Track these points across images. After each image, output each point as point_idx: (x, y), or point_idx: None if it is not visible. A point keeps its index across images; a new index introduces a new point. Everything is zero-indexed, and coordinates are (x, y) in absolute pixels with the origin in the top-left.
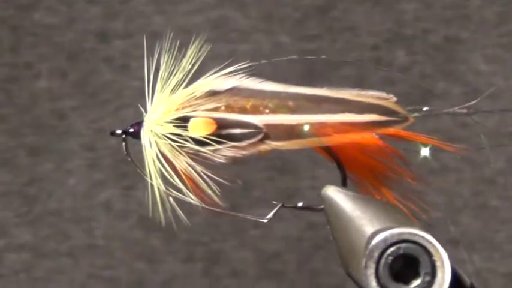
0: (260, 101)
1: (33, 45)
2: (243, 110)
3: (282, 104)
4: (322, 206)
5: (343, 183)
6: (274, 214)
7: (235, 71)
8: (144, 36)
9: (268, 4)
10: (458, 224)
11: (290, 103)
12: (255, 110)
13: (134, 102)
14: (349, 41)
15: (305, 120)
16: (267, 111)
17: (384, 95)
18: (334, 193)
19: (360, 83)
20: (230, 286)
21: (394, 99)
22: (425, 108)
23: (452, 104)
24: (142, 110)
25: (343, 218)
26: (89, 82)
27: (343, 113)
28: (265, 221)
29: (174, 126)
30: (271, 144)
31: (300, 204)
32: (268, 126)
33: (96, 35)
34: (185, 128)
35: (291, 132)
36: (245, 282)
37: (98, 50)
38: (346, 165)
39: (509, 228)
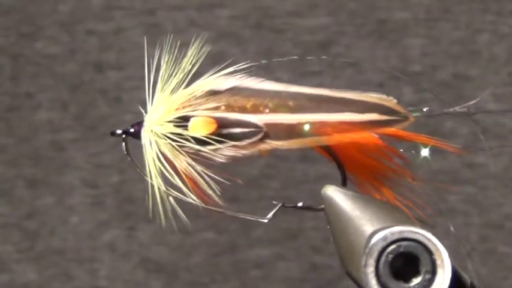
0: (260, 101)
1: (34, 75)
2: (243, 110)
3: (282, 103)
4: (323, 206)
5: (343, 183)
6: (274, 214)
7: (235, 71)
8: (145, 38)
9: (267, 40)
10: (465, 270)
11: (290, 102)
12: (255, 110)
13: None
14: (353, 78)
15: (305, 119)
16: (267, 110)
17: (384, 96)
18: (334, 193)
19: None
20: None
21: (395, 101)
22: (425, 109)
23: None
24: (142, 111)
25: (343, 218)
26: (87, 114)
27: (344, 112)
28: (266, 221)
29: (174, 125)
30: (272, 144)
31: (300, 204)
32: (268, 125)
33: (94, 66)
34: (185, 127)
35: (291, 131)
36: None
37: (94, 82)
38: (346, 165)
39: None
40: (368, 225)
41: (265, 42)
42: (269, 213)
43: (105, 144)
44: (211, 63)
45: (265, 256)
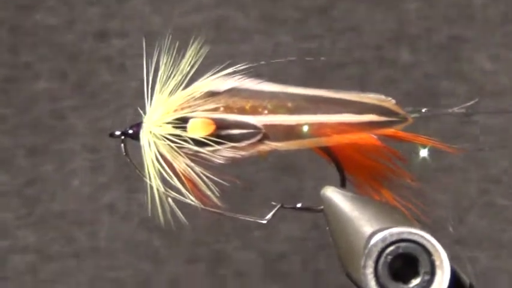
0: (259, 102)
1: (33, 45)
2: (242, 111)
3: (281, 104)
4: (322, 207)
5: (342, 184)
6: (274, 215)
7: (234, 72)
8: (143, 38)
9: (268, 4)
10: (465, 223)
11: (289, 104)
12: (254, 111)
13: (133, 102)
14: (351, 41)
15: (304, 120)
16: (266, 111)
17: (382, 97)
18: (333, 194)
19: (362, 83)
20: (235, 287)
21: (393, 101)
22: (424, 110)
23: (456, 102)
24: (141, 112)
25: (342, 219)
26: (88, 83)
27: (342, 113)
28: (265, 221)
29: (173, 127)
30: (270, 145)
31: (299, 205)
32: (267, 126)
33: (95, 35)
34: (184, 128)
35: (290, 132)
36: (250, 283)
37: (95, 51)
38: (345, 166)
39: None
40: (367, 226)
41: (267, 7)
42: (268, 213)
43: (106, 111)
44: (213, 27)
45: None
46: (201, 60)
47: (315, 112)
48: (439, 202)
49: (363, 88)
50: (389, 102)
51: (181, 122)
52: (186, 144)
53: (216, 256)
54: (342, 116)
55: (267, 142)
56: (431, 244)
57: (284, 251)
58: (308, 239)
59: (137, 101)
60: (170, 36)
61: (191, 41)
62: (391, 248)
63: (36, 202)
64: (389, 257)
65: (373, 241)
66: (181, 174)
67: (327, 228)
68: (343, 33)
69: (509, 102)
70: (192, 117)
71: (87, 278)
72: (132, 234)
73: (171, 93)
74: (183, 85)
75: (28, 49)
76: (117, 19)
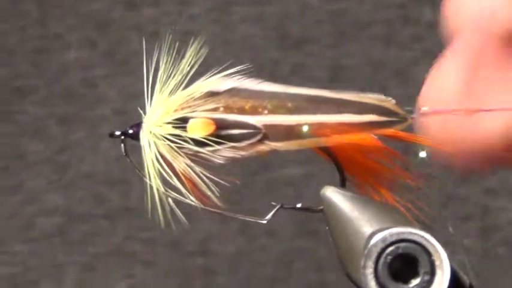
0: (259, 102)
1: (61, 16)
2: (242, 111)
3: (281, 104)
4: (322, 207)
5: (342, 184)
6: (273, 215)
7: (234, 72)
8: (143, 39)
9: None
10: (495, 173)
11: (289, 104)
12: (254, 111)
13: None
14: (377, 1)
15: (304, 120)
16: (266, 111)
17: (382, 97)
18: (333, 194)
19: (388, 41)
20: (267, 245)
21: (393, 101)
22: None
23: None
24: (141, 112)
25: (342, 219)
26: (118, 51)
27: (342, 113)
28: (265, 222)
29: (173, 127)
30: (270, 145)
31: (299, 205)
32: (267, 126)
33: (124, 4)
34: (184, 128)
35: (290, 132)
36: (282, 241)
37: (125, 19)
38: (346, 166)
39: None
40: (367, 227)
41: None
42: (268, 214)
43: (137, 77)
44: None
45: (297, 175)
46: (201, 60)
47: (315, 112)
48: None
49: (388, 46)
50: (389, 103)
51: (181, 122)
52: (186, 144)
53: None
54: (342, 116)
55: (266, 142)
56: (431, 244)
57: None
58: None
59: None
60: (170, 36)
61: (191, 41)
62: (391, 248)
63: (67, 167)
64: (389, 257)
65: (373, 241)
66: (181, 174)
67: (327, 228)
68: None
69: None
70: (192, 117)
71: (119, 239)
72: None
73: (171, 93)
74: (184, 85)
75: (56, 20)
76: None
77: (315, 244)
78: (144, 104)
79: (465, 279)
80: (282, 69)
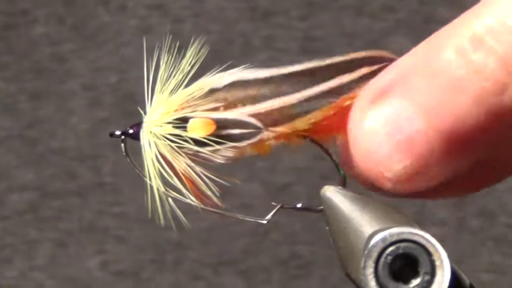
0: (257, 90)
1: None
2: (241, 103)
3: (278, 87)
4: (322, 207)
5: (342, 184)
6: (273, 215)
7: (234, 72)
8: (144, 38)
9: None
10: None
11: (285, 85)
12: (253, 101)
13: (133, 40)
14: None
15: (303, 95)
16: (265, 99)
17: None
18: (333, 194)
19: (360, 12)
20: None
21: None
22: None
23: None
24: (142, 112)
25: (342, 219)
26: (86, 25)
27: (334, 78)
28: (265, 222)
29: (173, 127)
30: (276, 131)
31: (299, 205)
32: (268, 113)
33: None
34: (184, 128)
35: (292, 112)
36: (256, 214)
37: None
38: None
39: None
40: (367, 227)
41: None
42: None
43: (105, 50)
44: None
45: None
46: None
47: (312, 84)
48: None
49: (360, 16)
50: (374, 51)
51: (182, 122)
52: (186, 144)
53: (220, 189)
54: (337, 79)
55: (271, 129)
56: (432, 244)
57: (289, 181)
58: (312, 169)
59: (136, 39)
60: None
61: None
62: (391, 248)
63: (36, 142)
64: (390, 257)
65: (373, 241)
66: (181, 174)
67: (327, 228)
68: None
69: None
70: (192, 117)
71: (91, 214)
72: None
73: (172, 93)
74: (184, 84)
75: None
76: None
77: (289, 218)
78: (112, 77)
79: (465, 279)
80: (253, 42)
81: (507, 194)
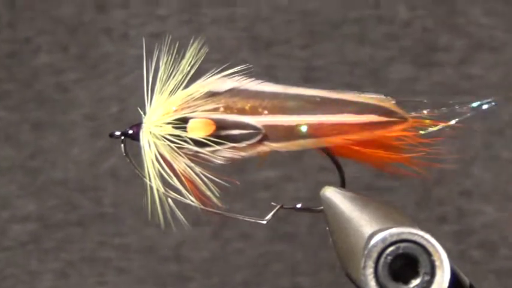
0: (259, 102)
1: (32, 19)
2: (242, 111)
3: (281, 105)
4: (322, 207)
5: (342, 184)
6: (273, 215)
7: (233, 73)
8: (143, 39)
9: None
10: (470, 175)
11: (289, 104)
12: (254, 111)
13: (134, 69)
14: (349, 1)
15: (304, 121)
16: (266, 112)
17: (382, 97)
18: (333, 194)
19: (362, 40)
20: (241, 249)
21: (393, 101)
22: (425, 111)
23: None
24: (141, 112)
25: (342, 219)
26: (89, 54)
27: (342, 113)
28: (265, 222)
29: (173, 127)
30: (270, 146)
31: (299, 206)
32: (267, 127)
33: (95, 7)
34: (184, 129)
35: (290, 133)
36: (256, 245)
37: (96, 22)
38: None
39: None
40: (367, 227)
41: None
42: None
43: (107, 79)
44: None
45: (273, 178)
46: (201, 60)
47: (314, 112)
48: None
49: (362, 44)
50: (389, 103)
51: (181, 123)
52: (186, 145)
53: (221, 218)
54: (342, 116)
55: (267, 143)
56: (431, 244)
57: (290, 212)
58: (314, 199)
59: (137, 68)
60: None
61: (191, 41)
62: (391, 248)
63: (38, 172)
64: (389, 258)
65: (373, 242)
66: (181, 175)
67: (327, 228)
68: None
69: (506, 56)
70: (192, 118)
71: (93, 245)
72: (137, 199)
73: (171, 93)
74: (183, 85)
75: (27, 23)
76: None
77: (290, 247)
78: (113, 108)
79: (465, 279)
80: (254, 71)
81: (508, 226)
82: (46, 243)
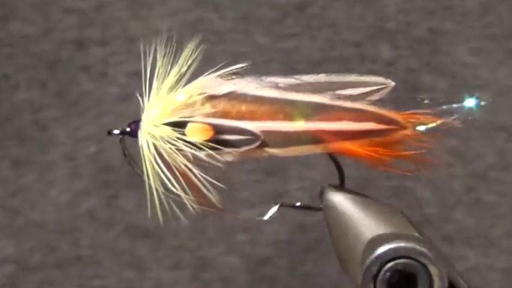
0: (258, 107)
1: (10, 55)
2: (240, 116)
3: (280, 110)
4: (321, 206)
5: (342, 184)
6: (273, 213)
7: (232, 73)
8: (142, 39)
9: (243, 5)
10: (452, 220)
11: (288, 110)
12: (252, 116)
13: (113, 108)
14: (330, 39)
15: (302, 127)
16: (265, 117)
17: (382, 79)
18: (333, 195)
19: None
20: None
21: (392, 83)
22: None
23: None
24: (140, 111)
25: (342, 221)
26: (68, 91)
27: (341, 120)
28: (265, 220)
29: (171, 129)
30: (269, 151)
31: (298, 204)
32: (265, 132)
33: (73, 44)
34: (182, 132)
35: (289, 139)
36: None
37: (75, 59)
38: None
39: (504, 223)
40: (367, 232)
41: (243, 7)
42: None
43: (87, 118)
44: (190, 29)
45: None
46: (198, 59)
47: (314, 119)
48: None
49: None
50: (388, 111)
51: (180, 125)
52: (184, 147)
53: (200, 262)
54: (341, 123)
55: (265, 149)
56: (429, 260)
57: (269, 254)
58: (294, 242)
59: (115, 107)
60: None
61: (190, 41)
62: (389, 264)
63: (17, 213)
64: (388, 274)
65: (371, 259)
66: (179, 175)
67: (327, 229)
68: (321, 30)
69: (490, 95)
70: (190, 121)
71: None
72: (116, 242)
73: (169, 92)
74: (181, 85)
75: (5, 60)
76: (96, 27)
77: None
78: (92, 147)
79: (464, 286)
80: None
81: (491, 272)
82: (24, 286)
